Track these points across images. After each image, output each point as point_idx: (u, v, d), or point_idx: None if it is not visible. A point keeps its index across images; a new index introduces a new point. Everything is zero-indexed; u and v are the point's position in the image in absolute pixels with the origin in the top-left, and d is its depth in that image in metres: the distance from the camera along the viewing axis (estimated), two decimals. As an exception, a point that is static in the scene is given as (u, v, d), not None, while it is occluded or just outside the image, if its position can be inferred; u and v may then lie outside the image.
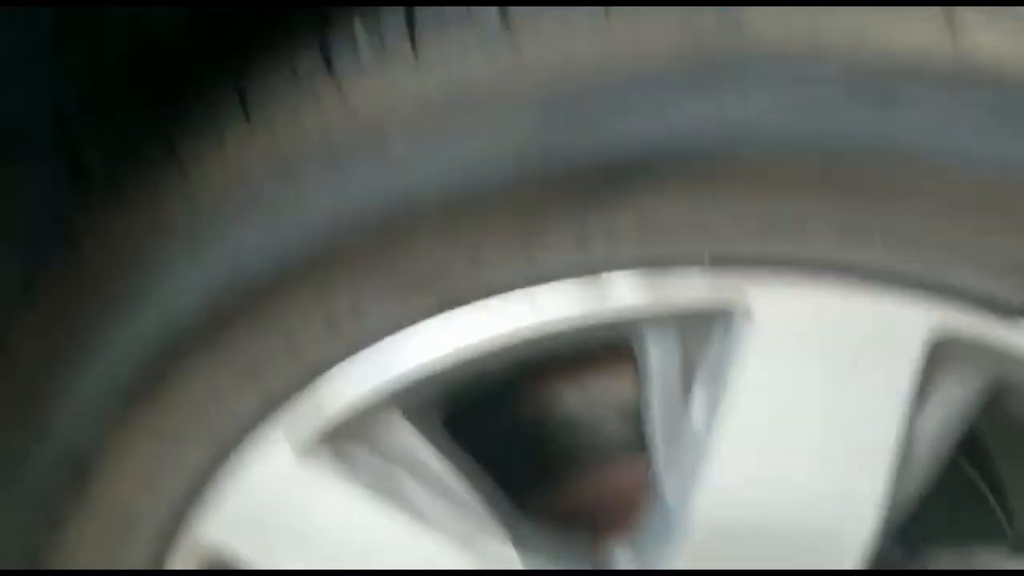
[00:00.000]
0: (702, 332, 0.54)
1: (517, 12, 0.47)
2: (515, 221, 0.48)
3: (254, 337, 0.51)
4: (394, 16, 0.48)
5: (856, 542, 0.56)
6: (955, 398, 0.55)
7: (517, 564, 0.60)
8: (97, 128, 0.49)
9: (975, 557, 0.76)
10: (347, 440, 0.57)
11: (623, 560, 0.62)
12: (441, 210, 0.49)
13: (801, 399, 0.53)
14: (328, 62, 0.48)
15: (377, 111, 0.48)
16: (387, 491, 0.58)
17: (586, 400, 0.71)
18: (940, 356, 0.52)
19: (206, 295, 0.51)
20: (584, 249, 0.49)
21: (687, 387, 0.56)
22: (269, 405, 0.54)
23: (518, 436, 0.72)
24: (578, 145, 0.47)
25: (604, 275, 0.50)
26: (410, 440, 0.58)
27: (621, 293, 0.51)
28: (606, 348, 0.61)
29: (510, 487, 0.65)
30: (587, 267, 0.50)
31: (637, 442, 0.71)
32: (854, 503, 0.55)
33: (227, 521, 0.58)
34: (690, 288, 0.50)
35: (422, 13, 0.48)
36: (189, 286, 0.51)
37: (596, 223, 0.48)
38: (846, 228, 0.47)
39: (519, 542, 0.60)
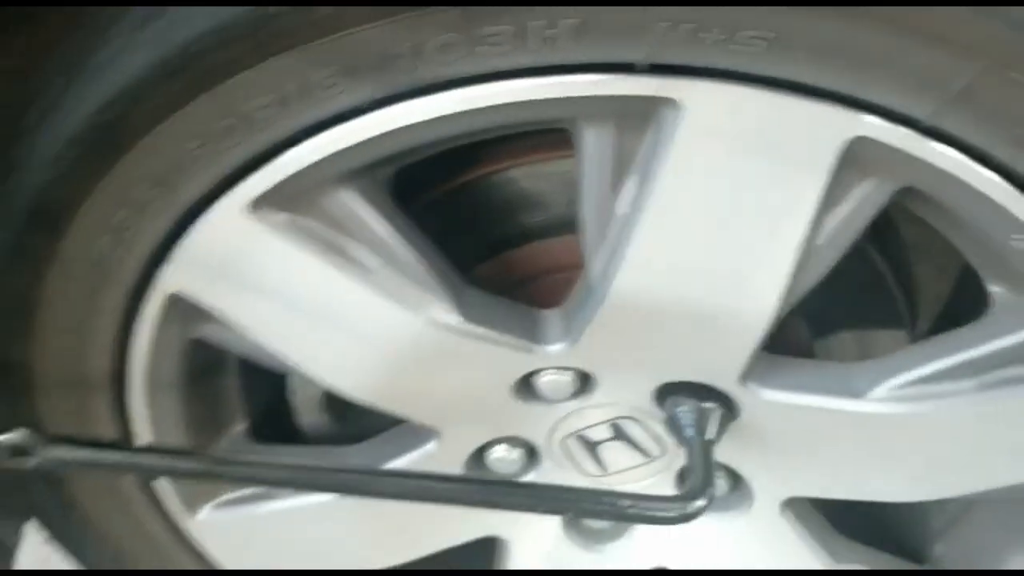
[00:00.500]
0: (637, 127, 0.57)
1: None
2: (461, 15, 0.50)
3: (208, 110, 0.54)
4: None
5: (759, 321, 0.64)
6: (863, 198, 0.60)
7: (460, 323, 0.67)
8: None
9: (873, 341, 0.85)
10: (300, 210, 0.62)
11: (553, 326, 0.70)
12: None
13: (719, 190, 0.58)
14: None
15: None
16: (336, 253, 0.64)
17: (530, 178, 0.75)
18: (852, 161, 0.56)
19: (155, 61, 0.52)
20: (525, 48, 0.51)
21: (618, 175, 0.60)
22: (225, 174, 0.58)
23: (465, 208, 0.77)
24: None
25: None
26: (358, 209, 0.63)
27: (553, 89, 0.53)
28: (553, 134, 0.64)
29: (455, 257, 0.71)
30: (526, 65, 0.52)
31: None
32: (759, 286, 0.62)
33: (190, 271, 0.64)
34: (625, 86, 0.53)
35: None
36: (140, 53, 0.52)
37: (537, 25, 0.49)
38: (779, 45, 0.49)
39: (463, 308, 0.67)
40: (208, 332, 0.71)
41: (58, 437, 0.61)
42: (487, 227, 0.77)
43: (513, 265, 0.78)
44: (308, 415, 0.84)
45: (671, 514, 0.62)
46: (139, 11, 0.51)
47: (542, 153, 0.73)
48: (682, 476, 0.81)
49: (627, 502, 0.64)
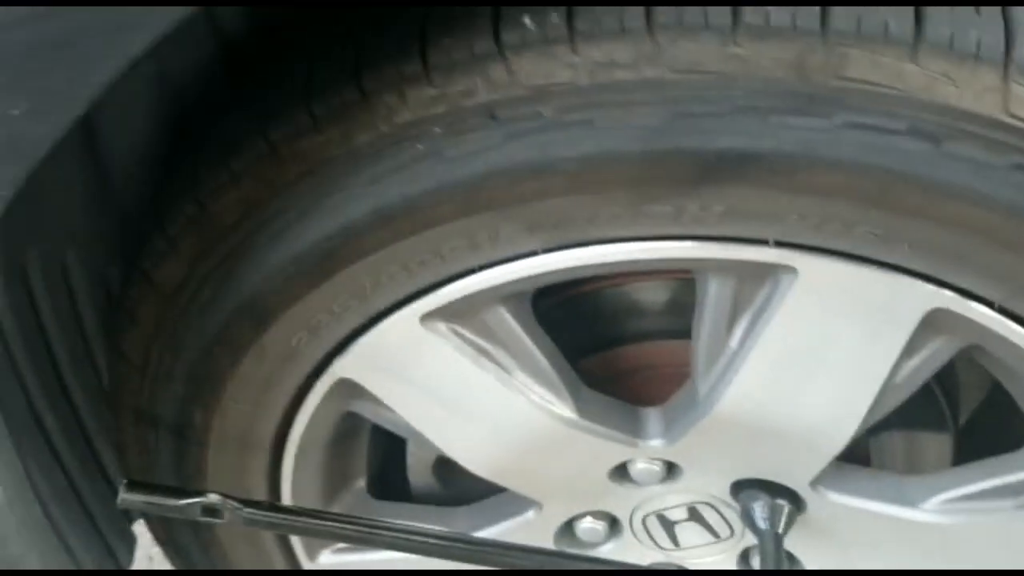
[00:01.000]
0: (755, 281, 0.69)
1: (661, 20, 0.57)
2: (631, 188, 0.62)
3: (412, 247, 0.66)
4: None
5: (838, 440, 0.76)
6: (936, 350, 0.72)
7: (576, 420, 0.79)
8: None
9: (920, 442, 0.96)
10: (461, 321, 0.74)
11: (654, 424, 0.82)
12: (574, 169, 0.62)
13: (819, 338, 0.70)
14: (497, 42, 0.59)
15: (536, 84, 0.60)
16: (484, 356, 0.76)
17: (638, 291, 0.87)
18: (931, 323, 0.68)
19: (376, 209, 0.65)
20: (679, 221, 0.63)
21: (733, 317, 0.72)
22: (412, 292, 0.70)
23: (578, 311, 0.89)
24: (693, 141, 0.59)
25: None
26: (508, 322, 0.75)
27: (697, 251, 0.66)
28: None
29: (569, 355, 0.83)
30: (676, 232, 0.64)
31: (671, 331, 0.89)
32: (843, 414, 0.74)
33: (362, 362, 0.76)
34: (754, 254, 0.65)
35: (581, 11, 0.58)
36: (364, 201, 0.65)
37: (693, 202, 0.62)
38: (887, 237, 0.62)
39: (580, 406, 0.79)
40: (360, 407, 0.83)
41: (246, 502, 0.72)
42: (595, 328, 0.89)
43: (614, 361, 0.90)
44: (420, 476, 0.96)
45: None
46: (370, 170, 0.63)
47: (653, 275, 0.85)
48: (744, 555, 0.93)
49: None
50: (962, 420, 1.02)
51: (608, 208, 0.63)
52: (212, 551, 0.92)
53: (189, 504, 0.72)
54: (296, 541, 0.91)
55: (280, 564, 0.93)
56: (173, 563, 1.00)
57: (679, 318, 0.89)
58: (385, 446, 0.96)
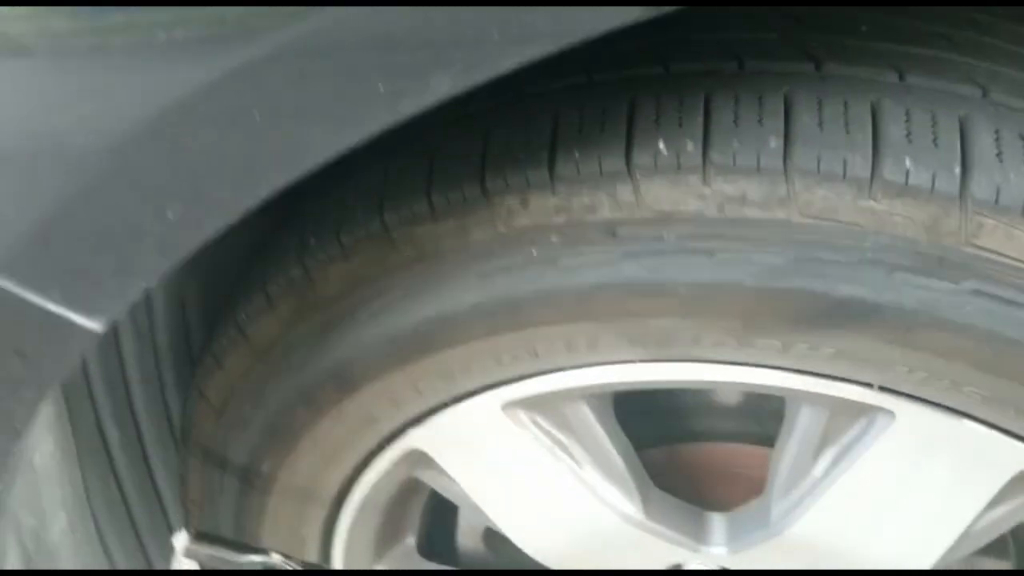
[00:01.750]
0: (848, 417, 0.68)
1: (799, 163, 0.57)
2: (743, 319, 0.61)
3: (508, 343, 0.66)
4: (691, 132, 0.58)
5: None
6: (1019, 506, 0.70)
7: (641, 520, 0.78)
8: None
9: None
10: (541, 412, 0.74)
11: (718, 531, 0.81)
12: (687, 294, 0.61)
13: (906, 478, 0.69)
14: (628, 163, 0.59)
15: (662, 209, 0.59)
16: (558, 447, 0.76)
17: (716, 391, 0.87)
18: (1020, 480, 0.67)
19: (480, 304, 0.65)
20: (785, 355, 0.62)
21: (820, 446, 0.71)
22: (499, 381, 0.70)
23: (648, 402, 0.89)
24: (815, 285, 0.59)
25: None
26: (587, 418, 0.75)
27: (797, 383, 0.65)
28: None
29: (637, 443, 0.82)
30: (779, 364, 0.63)
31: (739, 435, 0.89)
32: (918, 552, 0.73)
33: (437, 437, 0.76)
34: (855, 394, 0.64)
35: (718, 142, 0.58)
36: (470, 294, 0.65)
37: (803, 340, 0.61)
38: (993, 399, 0.61)
39: (647, 506, 0.79)
40: (426, 476, 0.83)
41: (304, 567, 0.73)
42: (668, 420, 0.89)
43: (679, 457, 0.90)
44: (469, 540, 0.96)
45: None
46: (481, 266, 0.63)
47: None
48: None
49: None
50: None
51: (715, 335, 0.63)
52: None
53: (250, 561, 0.73)
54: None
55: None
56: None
57: (752, 422, 0.88)
58: (437, 507, 0.97)
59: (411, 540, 0.94)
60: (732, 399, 0.88)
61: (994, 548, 0.93)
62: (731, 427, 0.88)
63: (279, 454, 0.80)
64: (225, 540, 0.77)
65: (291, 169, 0.43)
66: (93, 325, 0.49)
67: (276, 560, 0.72)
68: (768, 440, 0.79)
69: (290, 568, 0.72)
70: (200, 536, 0.73)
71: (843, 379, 0.64)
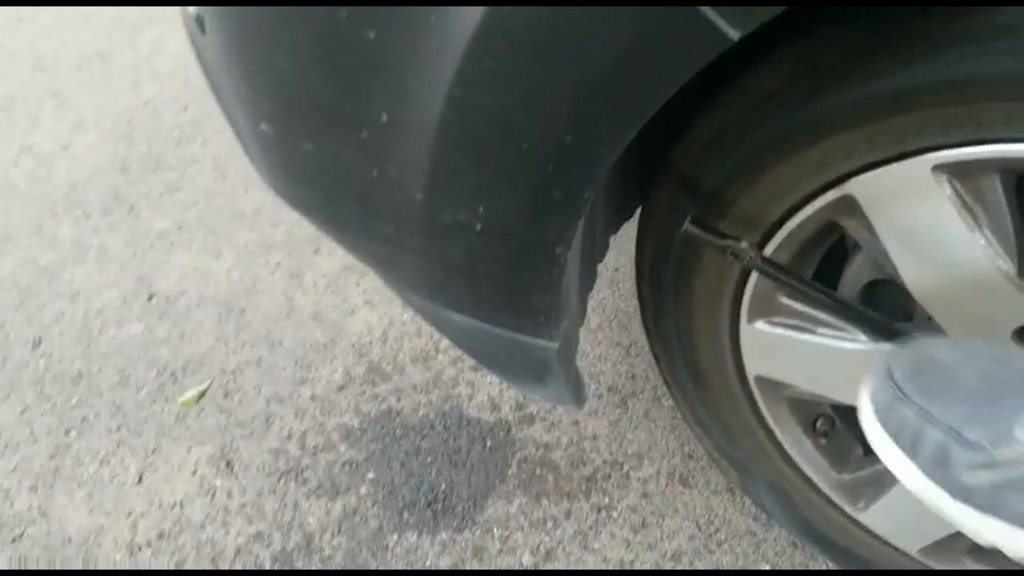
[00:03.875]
0: None
1: None
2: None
3: (956, 113, 0.91)
4: None
5: None
6: None
7: (1014, 276, 1.01)
8: None
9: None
10: (959, 177, 0.98)
11: None
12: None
13: None
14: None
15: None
16: (964, 208, 1.00)
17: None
18: None
19: (952, 81, 0.90)
20: None
21: None
22: (940, 144, 0.96)
23: None
24: None
25: None
26: (995, 190, 0.98)
27: None
28: None
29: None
30: None
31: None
32: None
33: (871, 187, 1.03)
34: None
35: None
36: (948, 70, 0.90)
37: None
38: None
39: (1021, 266, 1.01)
40: (844, 221, 1.11)
41: (764, 258, 1.06)
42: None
43: None
44: (847, 293, 1.25)
45: None
46: (956, 52, 0.88)
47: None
48: None
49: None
50: None
51: None
52: (682, 285, 1.29)
53: (725, 243, 1.07)
54: (746, 301, 1.25)
55: (724, 315, 1.28)
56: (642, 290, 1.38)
57: None
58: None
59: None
60: None
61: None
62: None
63: (741, 187, 1.12)
64: (710, 227, 1.12)
65: None
66: None
67: (743, 247, 1.06)
68: None
69: (751, 255, 1.05)
70: (695, 221, 1.08)
71: None
